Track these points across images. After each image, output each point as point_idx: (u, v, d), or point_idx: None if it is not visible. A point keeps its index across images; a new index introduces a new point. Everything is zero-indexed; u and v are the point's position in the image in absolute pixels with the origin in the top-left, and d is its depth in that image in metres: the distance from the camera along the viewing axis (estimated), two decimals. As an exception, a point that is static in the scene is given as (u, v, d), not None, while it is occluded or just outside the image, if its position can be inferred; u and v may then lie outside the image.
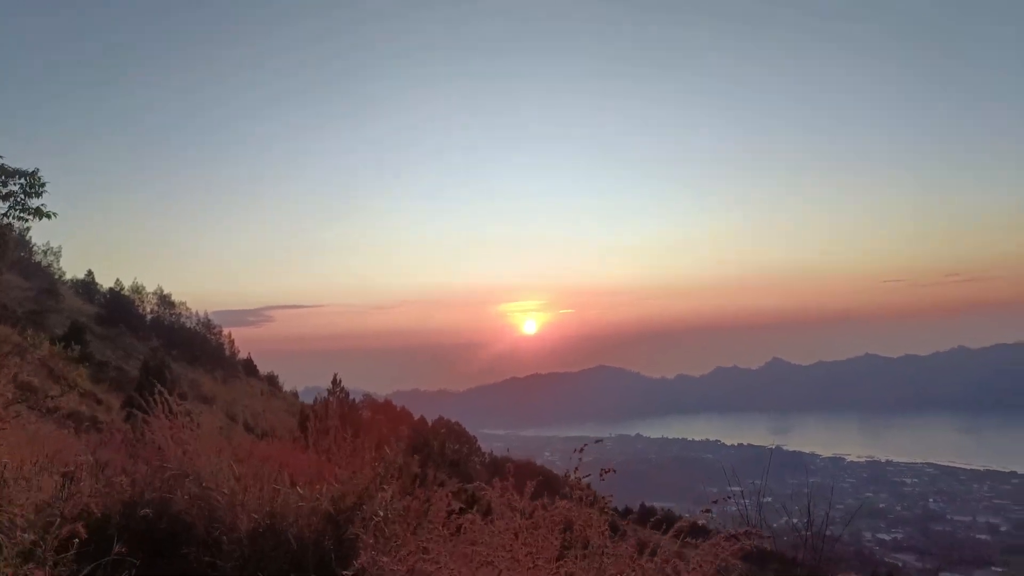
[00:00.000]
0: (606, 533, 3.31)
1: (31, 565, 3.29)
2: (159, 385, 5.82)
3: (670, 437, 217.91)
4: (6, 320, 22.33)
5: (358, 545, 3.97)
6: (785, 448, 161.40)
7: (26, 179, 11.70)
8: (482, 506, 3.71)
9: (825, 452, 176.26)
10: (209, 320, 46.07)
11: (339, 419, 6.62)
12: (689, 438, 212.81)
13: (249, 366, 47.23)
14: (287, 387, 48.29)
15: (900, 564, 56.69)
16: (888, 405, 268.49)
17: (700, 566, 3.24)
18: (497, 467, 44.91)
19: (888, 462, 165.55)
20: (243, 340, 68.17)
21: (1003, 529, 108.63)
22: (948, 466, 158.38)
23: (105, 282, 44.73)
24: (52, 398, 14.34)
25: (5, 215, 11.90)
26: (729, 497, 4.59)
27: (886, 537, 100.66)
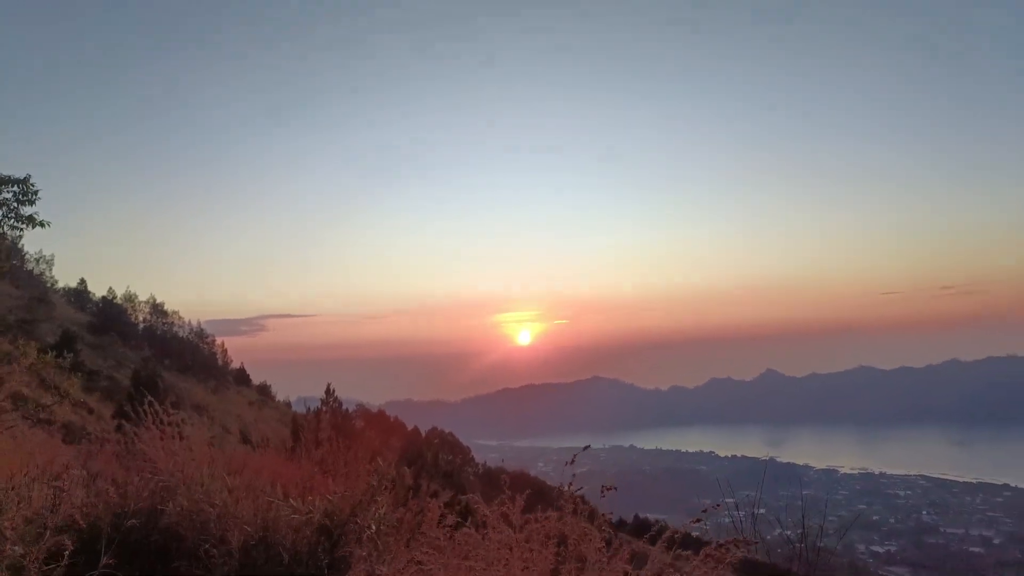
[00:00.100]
0: (602, 549, 3.30)
1: (20, 578, 3.26)
2: (150, 396, 5.78)
3: (664, 448, 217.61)
4: (-3, 328, 22.16)
5: (351, 558, 3.94)
6: (779, 460, 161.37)
7: (19, 187, 11.62)
8: (476, 519, 3.70)
9: (819, 464, 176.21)
10: (202, 329, 45.97)
11: (332, 430, 6.61)
12: (683, 449, 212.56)
13: (241, 375, 47.06)
14: (280, 397, 48.13)
15: (893, 577, 56.59)
16: (882, 417, 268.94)
17: (694, 579, 3.24)
18: (491, 478, 44.76)
19: (881, 474, 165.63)
20: (236, 349, 68.14)
21: (996, 542, 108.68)
22: (941, 478, 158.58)
23: (97, 290, 44.61)
24: (44, 408, 14.23)
25: (-2, 224, 11.86)
26: (717, 505, 4.57)
27: (879, 549, 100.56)
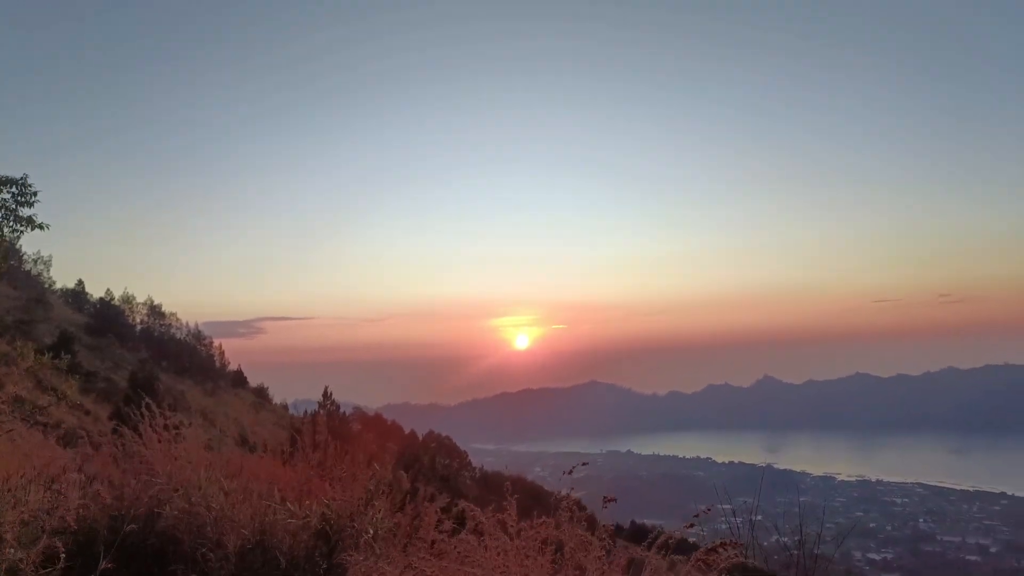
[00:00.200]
0: (602, 558, 3.30)
1: (16, 581, 3.25)
2: (147, 397, 5.78)
3: (661, 454, 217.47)
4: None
5: (349, 563, 3.93)
6: (776, 466, 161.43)
7: (17, 187, 11.58)
8: (472, 525, 3.69)
9: (816, 471, 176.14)
10: (199, 331, 45.96)
11: (329, 433, 6.59)
12: (680, 455, 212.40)
13: (239, 378, 47.00)
14: (277, 399, 48.07)
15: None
16: (879, 424, 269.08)
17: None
18: (488, 482, 44.69)
19: (878, 482, 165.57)
20: (233, 352, 68.02)
21: (992, 550, 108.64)
22: (938, 486, 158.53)
23: (95, 292, 44.59)
24: (41, 409, 14.20)
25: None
26: (708, 509, 4.58)
27: (876, 557, 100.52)
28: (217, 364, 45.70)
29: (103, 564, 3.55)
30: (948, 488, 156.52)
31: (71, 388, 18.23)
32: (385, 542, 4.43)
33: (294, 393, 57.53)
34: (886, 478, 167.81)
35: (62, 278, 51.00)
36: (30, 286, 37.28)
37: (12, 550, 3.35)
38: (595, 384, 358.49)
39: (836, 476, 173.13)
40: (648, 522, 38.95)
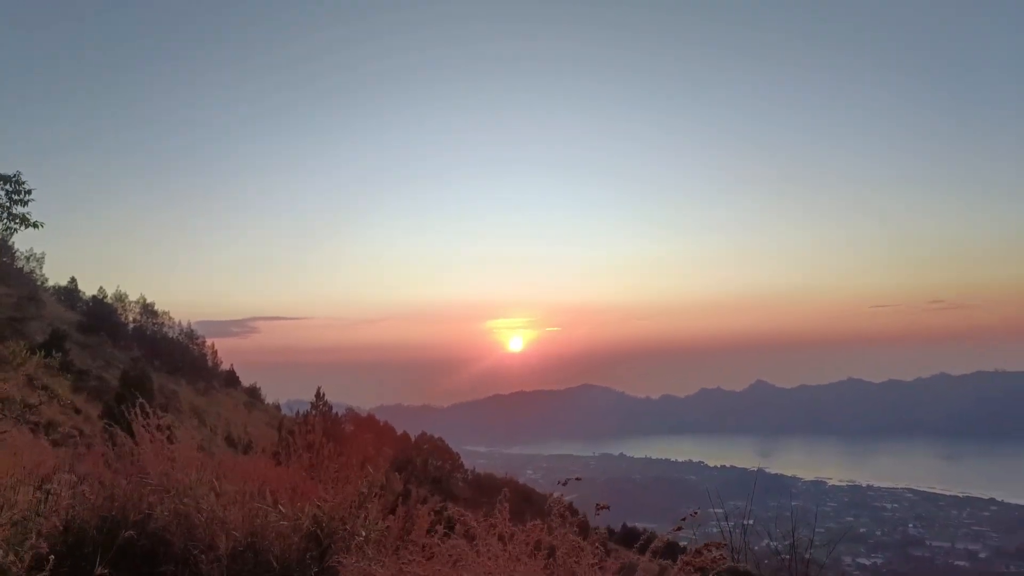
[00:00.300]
0: (594, 565, 3.30)
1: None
2: (140, 397, 5.75)
3: (654, 457, 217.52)
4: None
5: (341, 567, 3.93)
6: (767, 471, 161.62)
7: (11, 185, 11.54)
8: (462, 529, 3.69)
9: (807, 475, 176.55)
10: (192, 330, 45.74)
11: (322, 434, 6.57)
12: (673, 459, 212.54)
13: (231, 377, 46.82)
14: (269, 399, 47.89)
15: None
16: (870, 430, 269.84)
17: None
18: (480, 484, 44.64)
19: (869, 487, 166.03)
20: (226, 351, 67.64)
21: (982, 556, 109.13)
22: (928, 492, 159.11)
23: (88, 289, 44.31)
24: (32, 408, 14.12)
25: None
26: (694, 513, 4.60)
27: (866, 562, 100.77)
28: (210, 363, 45.52)
29: (98, 569, 3.52)
30: (938, 494, 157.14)
31: (62, 386, 18.14)
32: (377, 545, 4.42)
33: (287, 393, 57.39)
34: (877, 483, 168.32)
35: (55, 276, 50.71)
36: (22, 283, 37.00)
37: (1, 552, 3.33)
38: (588, 387, 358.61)
39: (827, 481, 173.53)
40: (640, 525, 38.99)
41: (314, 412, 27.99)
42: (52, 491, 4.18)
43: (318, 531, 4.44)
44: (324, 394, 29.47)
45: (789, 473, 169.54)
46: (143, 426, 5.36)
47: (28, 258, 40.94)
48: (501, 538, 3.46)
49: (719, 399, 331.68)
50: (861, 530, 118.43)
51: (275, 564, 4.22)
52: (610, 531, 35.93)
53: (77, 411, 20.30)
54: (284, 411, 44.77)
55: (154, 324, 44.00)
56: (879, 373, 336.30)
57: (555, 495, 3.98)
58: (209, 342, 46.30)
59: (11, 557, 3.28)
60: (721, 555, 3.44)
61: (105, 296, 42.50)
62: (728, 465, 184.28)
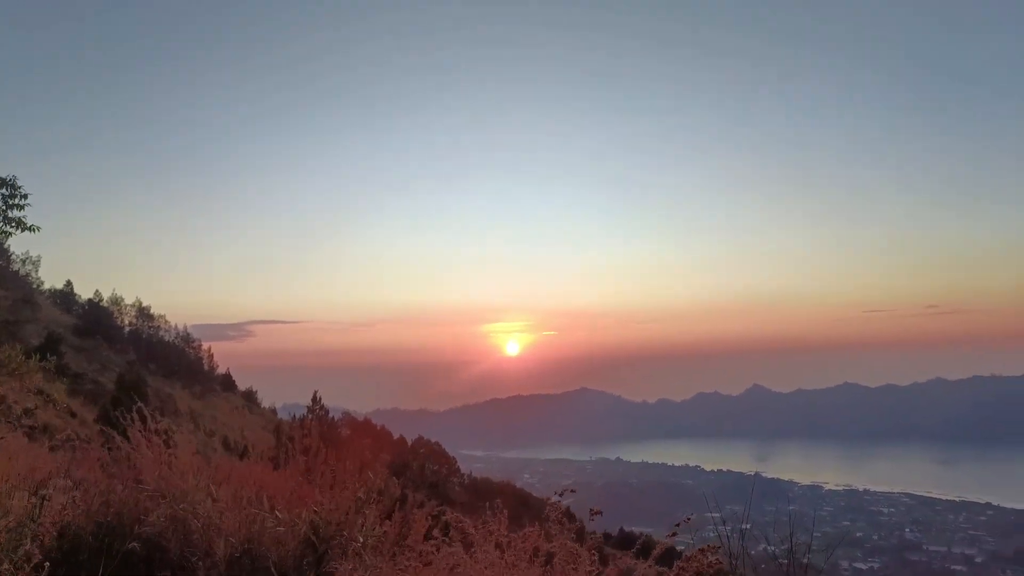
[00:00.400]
0: (591, 574, 3.29)
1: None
2: (137, 401, 5.72)
3: (651, 461, 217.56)
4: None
5: (337, 572, 3.91)
6: (764, 475, 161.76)
7: (7, 189, 11.51)
8: (459, 535, 3.68)
9: (803, 480, 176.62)
10: (188, 334, 45.72)
11: (319, 438, 6.55)
12: (669, 463, 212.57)
13: (227, 381, 46.77)
14: (265, 403, 47.88)
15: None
16: (867, 434, 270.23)
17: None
18: (477, 488, 44.59)
19: (866, 491, 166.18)
20: (222, 355, 67.57)
21: (978, 560, 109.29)
22: (925, 496, 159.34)
23: (84, 293, 44.25)
24: (28, 412, 14.06)
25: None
26: (688, 519, 4.59)
27: (863, 566, 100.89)
28: (206, 367, 45.48)
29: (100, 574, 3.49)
30: (935, 498, 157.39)
31: (58, 390, 18.07)
32: (374, 551, 4.40)
33: (283, 397, 57.35)
34: (873, 488, 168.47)
35: (51, 279, 50.63)
36: (18, 286, 36.91)
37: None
38: (585, 391, 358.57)
39: (824, 485, 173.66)
40: (637, 529, 39.00)
41: (311, 416, 27.94)
42: (47, 497, 4.15)
43: (315, 537, 4.42)
44: (321, 398, 29.43)
45: (786, 477, 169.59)
46: (140, 431, 5.34)
47: (24, 261, 40.84)
48: (499, 546, 3.45)
49: (716, 403, 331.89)
50: (858, 534, 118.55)
51: (272, 570, 4.20)
52: (607, 535, 35.89)
53: (73, 415, 20.25)
54: (280, 415, 44.71)
55: (150, 327, 43.94)
56: (875, 378, 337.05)
57: (553, 500, 3.97)
58: (206, 346, 46.30)
59: (5, 564, 3.26)
60: (717, 559, 3.44)
61: (101, 299, 42.44)
62: (725, 469, 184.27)
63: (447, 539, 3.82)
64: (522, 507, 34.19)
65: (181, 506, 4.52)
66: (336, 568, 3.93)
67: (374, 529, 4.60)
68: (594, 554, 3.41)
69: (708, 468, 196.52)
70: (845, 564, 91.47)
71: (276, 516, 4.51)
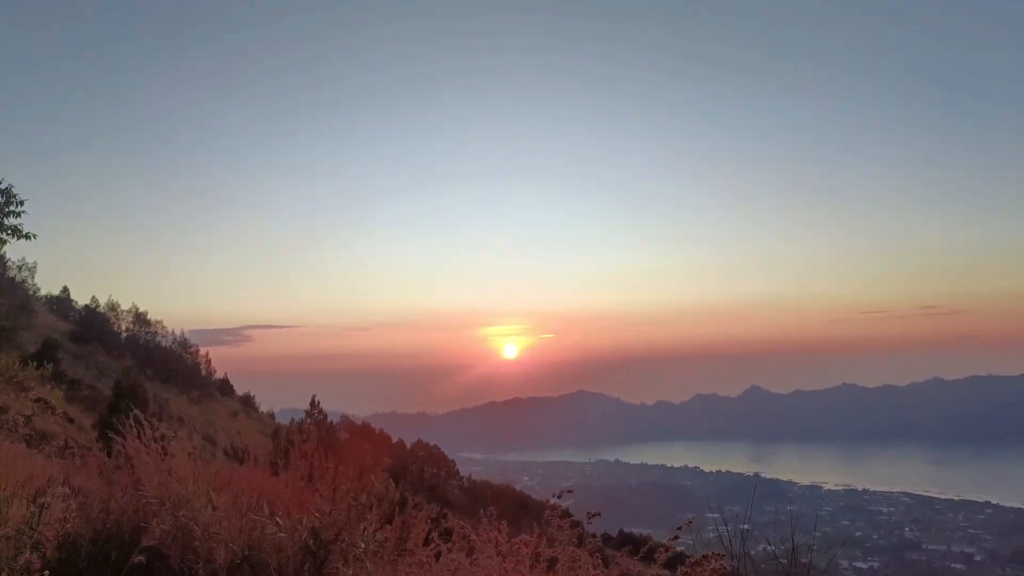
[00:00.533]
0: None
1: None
2: (135, 407, 5.70)
3: (649, 463, 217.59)
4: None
5: (338, 578, 3.90)
6: (763, 476, 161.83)
7: (2, 196, 11.47)
8: (460, 542, 3.67)
9: (802, 480, 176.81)
10: (185, 339, 45.66)
11: (318, 443, 6.53)
12: (668, 464, 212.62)
13: (225, 386, 46.69)
14: (264, 408, 47.79)
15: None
16: (865, 434, 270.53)
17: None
18: (476, 491, 44.54)
19: (865, 491, 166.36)
20: (220, 359, 67.63)
21: (977, 559, 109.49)
22: (923, 495, 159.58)
23: (80, 299, 44.20)
24: (25, 418, 14.02)
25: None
26: (689, 522, 4.59)
27: (863, 566, 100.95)
28: (203, 372, 45.41)
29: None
30: (933, 497, 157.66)
31: (56, 397, 18.02)
32: (375, 556, 4.39)
33: (281, 401, 57.29)
34: (872, 487, 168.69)
35: (47, 285, 50.57)
36: (14, 293, 36.83)
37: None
38: (583, 394, 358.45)
39: (823, 485, 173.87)
40: (637, 531, 39.00)
41: (309, 420, 27.87)
42: (46, 505, 4.13)
43: (315, 543, 4.40)
44: (319, 402, 29.37)
45: (785, 478, 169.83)
46: (138, 437, 5.32)
47: (20, 268, 40.75)
48: (501, 552, 3.44)
49: (714, 405, 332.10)
50: (857, 534, 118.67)
51: (273, 576, 4.19)
52: (607, 537, 35.87)
53: (71, 421, 20.18)
54: (278, 419, 44.67)
55: (147, 333, 43.87)
56: (873, 378, 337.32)
57: (552, 502, 3.96)
58: (202, 351, 46.24)
59: (5, 573, 3.24)
60: (721, 565, 3.42)
61: (98, 305, 42.38)
62: (723, 471, 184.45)
63: (448, 544, 3.82)
64: (521, 509, 34.20)
65: (181, 513, 4.51)
66: (337, 574, 3.92)
67: (375, 534, 4.59)
68: (596, 558, 3.40)
69: (707, 469, 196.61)
70: (845, 563, 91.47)
71: (276, 522, 4.49)
